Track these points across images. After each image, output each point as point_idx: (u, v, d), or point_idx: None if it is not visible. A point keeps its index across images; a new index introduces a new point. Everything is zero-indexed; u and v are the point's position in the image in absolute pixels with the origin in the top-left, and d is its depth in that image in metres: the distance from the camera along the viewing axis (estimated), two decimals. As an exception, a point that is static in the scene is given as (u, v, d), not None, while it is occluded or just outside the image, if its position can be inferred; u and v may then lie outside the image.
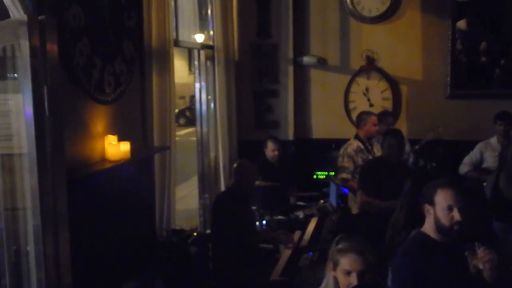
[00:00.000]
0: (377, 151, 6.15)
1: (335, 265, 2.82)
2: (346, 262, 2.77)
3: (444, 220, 3.08)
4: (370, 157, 6.00)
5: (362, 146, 6.01)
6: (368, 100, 7.24)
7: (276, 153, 6.46)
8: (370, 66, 7.18)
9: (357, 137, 6.10)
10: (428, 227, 3.21)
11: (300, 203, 6.43)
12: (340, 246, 2.82)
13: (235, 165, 5.14)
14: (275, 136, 6.79)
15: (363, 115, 6.20)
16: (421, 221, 3.43)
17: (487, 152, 6.34)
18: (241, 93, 7.27)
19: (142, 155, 4.81)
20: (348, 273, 2.75)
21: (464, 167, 6.43)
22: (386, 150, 5.34)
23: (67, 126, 3.60)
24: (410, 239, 3.34)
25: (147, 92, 4.92)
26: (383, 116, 6.51)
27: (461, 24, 6.98)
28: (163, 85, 5.09)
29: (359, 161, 5.95)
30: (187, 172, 10.49)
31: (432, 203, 3.16)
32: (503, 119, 6.24)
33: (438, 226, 3.12)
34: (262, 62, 7.32)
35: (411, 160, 6.45)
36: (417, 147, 6.56)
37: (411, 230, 3.58)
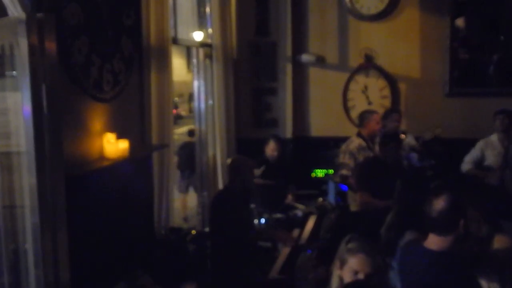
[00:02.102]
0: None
1: (343, 263, 2.81)
2: (355, 261, 2.76)
3: None
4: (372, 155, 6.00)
5: (364, 144, 5.99)
6: (367, 98, 7.25)
7: (276, 153, 6.47)
8: (369, 64, 7.18)
9: (359, 135, 6.08)
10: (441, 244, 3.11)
11: (298, 204, 6.43)
12: (350, 245, 2.81)
13: (228, 161, 5.13)
14: (278, 135, 6.79)
15: (366, 113, 6.17)
16: (412, 222, 3.44)
17: (488, 150, 6.33)
18: (239, 91, 7.26)
19: (141, 153, 4.81)
20: (356, 273, 2.75)
21: (465, 165, 6.43)
22: (381, 154, 5.34)
23: (65, 124, 3.60)
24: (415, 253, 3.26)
25: (146, 90, 4.92)
26: (388, 113, 6.52)
27: (460, 22, 6.97)
28: (161, 83, 5.08)
29: (361, 159, 5.93)
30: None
31: None
32: (502, 112, 6.26)
33: None
34: (260, 60, 7.32)
35: (415, 159, 6.41)
36: (417, 146, 6.53)
37: (402, 230, 3.59)
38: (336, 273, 2.87)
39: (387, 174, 5.09)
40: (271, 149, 6.48)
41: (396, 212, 3.86)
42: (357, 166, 5.72)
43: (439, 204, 2.98)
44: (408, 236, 3.59)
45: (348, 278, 2.78)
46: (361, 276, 2.73)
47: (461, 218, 3.01)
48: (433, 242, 3.05)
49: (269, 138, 6.57)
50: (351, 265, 2.77)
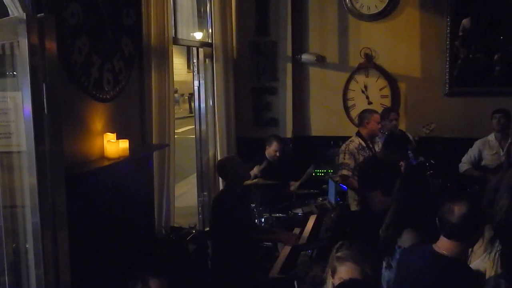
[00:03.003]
0: (378, 149, 6.13)
1: (333, 272, 2.81)
2: (343, 270, 2.75)
3: None
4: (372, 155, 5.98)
5: (364, 144, 5.99)
6: (367, 97, 7.25)
7: (278, 154, 6.45)
8: (369, 64, 7.18)
9: (359, 134, 6.07)
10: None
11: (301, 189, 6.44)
12: (339, 253, 2.79)
13: (216, 167, 5.18)
14: (279, 136, 6.78)
15: (366, 113, 6.15)
16: (411, 220, 3.42)
17: (485, 150, 6.34)
18: (239, 91, 7.27)
19: (141, 152, 4.81)
20: None
21: (463, 166, 6.44)
22: (383, 154, 5.28)
23: (65, 124, 3.60)
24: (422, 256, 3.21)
25: (146, 90, 4.92)
26: (386, 113, 6.53)
27: (460, 21, 6.97)
28: (162, 82, 5.09)
29: (360, 158, 5.92)
30: (186, 170, 10.50)
31: None
32: (499, 112, 6.25)
33: None
34: (260, 60, 7.32)
35: (412, 157, 6.39)
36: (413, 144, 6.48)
37: (400, 229, 3.59)
38: (329, 281, 2.86)
39: (387, 173, 5.05)
40: (274, 149, 6.45)
41: (394, 211, 3.86)
42: (359, 167, 5.67)
43: (460, 209, 2.95)
44: (406, 234, 3.59)
45: None
46: None
47: (481, 224, 3.03)
48: (444, 246, 3.04)
49: (271, 139, 6.53)
50: (340, 274, 2.76)
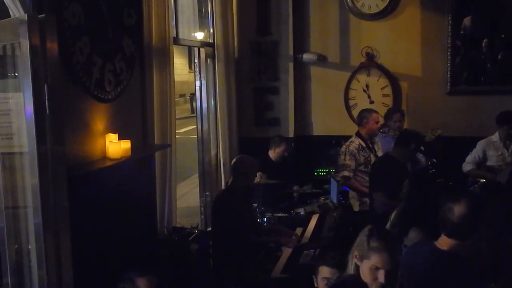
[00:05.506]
0: (378, 149, 6.13)
1: (363, 257, 2.83)
2: (377, 260, 2.77)
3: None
4: (372, 155, 5.98)
5: (364, 144, 5.98)
6: (369, 97, 7.25)
7: (286, 154, 6.41)
8: (370, 63, 7.18)
9: (358, 135, 6.06)
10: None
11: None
12: (374, 244, 2.80)
13: (233, 160, 5.16)
14: (284, 136, 6.76)
15: (365, 113, 6.15)
16: (417, 220, 3.42)
17: (490, 150, 6.28)
18: (241, 91, 7.27)
19: (143, 153, 4.81)
20: (377, 269, 2.77)
21: (467, 166, 6.38)
22: (396, 153, 5.25)
23: (67, 125, 3.60)
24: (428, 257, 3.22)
25: (147, 90, 4.92)
26: (390, 113, 6.52)
27: (461, 20, 6.96)
28: (163, 83, 5.09)
29: (361, 159, 5.93)
30: (188, 170, 10.51)
31: None
32: (507, 123, 6.17)
33: None
34: (262, 60, 7.32)
35: (423, 161, 6.33)
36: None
37: (406, 228, 3.59)
38: (352, 261, 2.88)
39: (398, 173, 5.01)
40: (283, 150, 6.39)
41: (401, 210, 3.86)
42: (372, 165, 5.67)
43: (460, 209, 2.98)
44: (412, 233, 3.59)
45: (367, 271, 2.80)
46: (381, 272, 2.75)
47: (481, 223, 3.05)
48: (446, 243, 3.08)
49: (280, 140, 6.46)
50: (373, 262, 2.78)
